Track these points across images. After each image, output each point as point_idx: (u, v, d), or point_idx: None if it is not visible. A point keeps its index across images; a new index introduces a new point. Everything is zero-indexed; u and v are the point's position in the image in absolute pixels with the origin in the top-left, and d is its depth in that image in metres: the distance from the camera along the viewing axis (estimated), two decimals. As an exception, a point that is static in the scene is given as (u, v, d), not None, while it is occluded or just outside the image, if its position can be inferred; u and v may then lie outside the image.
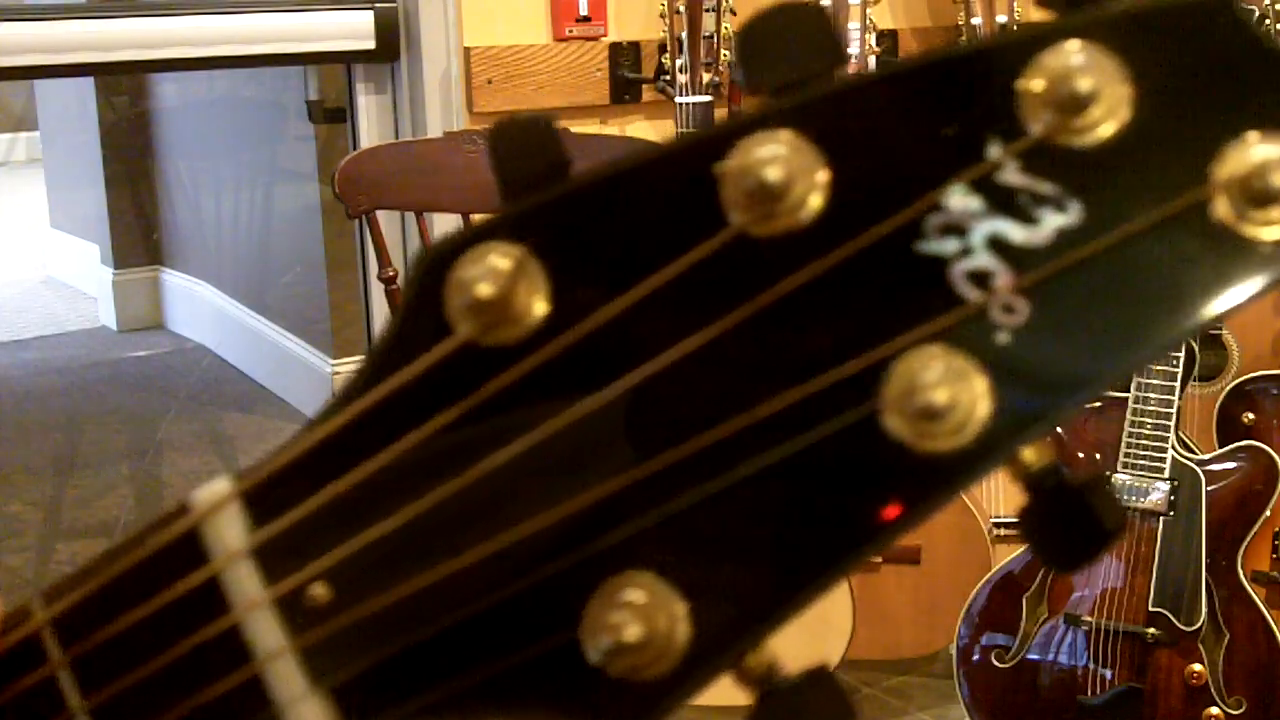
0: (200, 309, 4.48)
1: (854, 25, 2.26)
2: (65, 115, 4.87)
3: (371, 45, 2.50)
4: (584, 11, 2.45)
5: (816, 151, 0.34)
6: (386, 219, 2.20)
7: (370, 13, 2.49)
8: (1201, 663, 2.07)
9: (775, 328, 0.34)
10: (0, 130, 7.70)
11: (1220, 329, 2.49)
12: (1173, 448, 2.10)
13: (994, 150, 0.33)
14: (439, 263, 0.36)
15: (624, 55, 2.47)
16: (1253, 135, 0.33)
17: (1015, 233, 0.33)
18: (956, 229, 0.33)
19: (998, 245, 0.33)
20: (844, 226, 0.34)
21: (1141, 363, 0.33)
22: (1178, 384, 2.10)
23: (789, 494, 0.34)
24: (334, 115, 2.78)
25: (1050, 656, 2.16)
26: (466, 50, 2.42)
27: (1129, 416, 2.11)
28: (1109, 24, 0.34)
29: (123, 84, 4.52)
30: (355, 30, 2.50)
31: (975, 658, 2.21)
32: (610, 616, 0.34)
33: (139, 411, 4.00)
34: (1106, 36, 0.33)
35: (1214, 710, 2.07)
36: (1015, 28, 0.36)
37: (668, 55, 2.27)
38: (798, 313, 0.34)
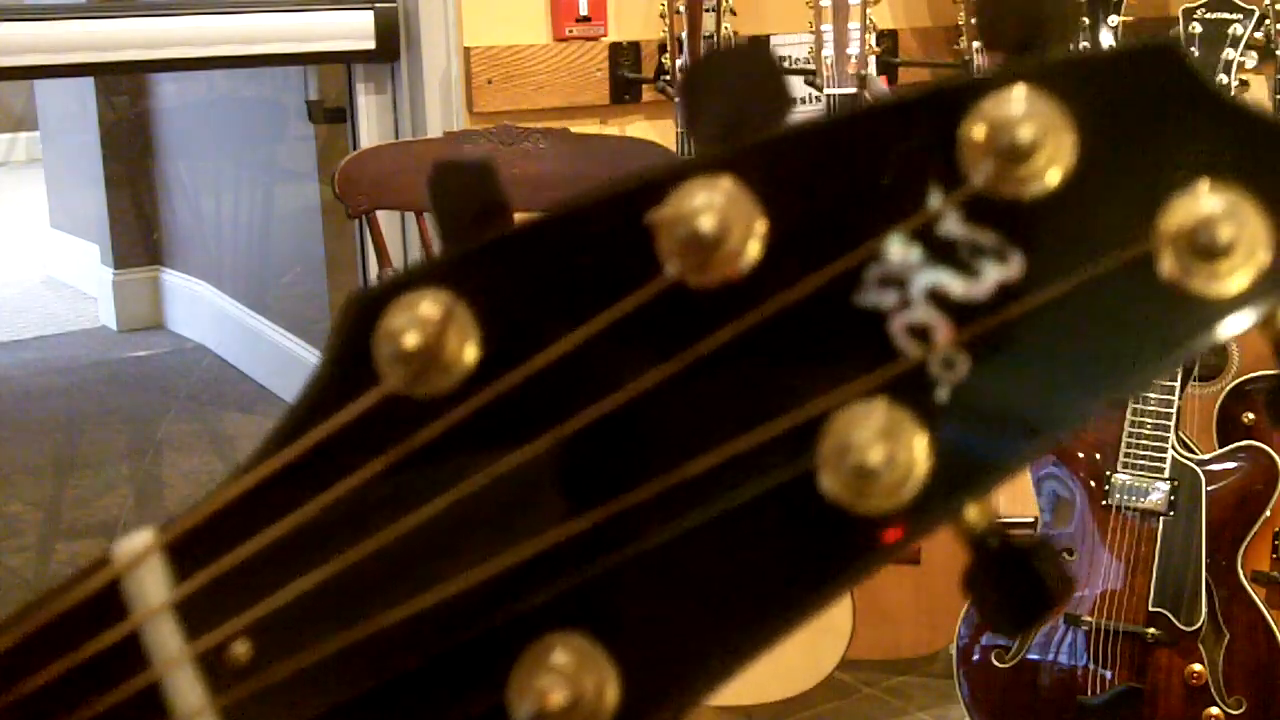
0: (200, 309, 4.48)
1: (854, 25, 2.25)
2: (65, 115, 4.87)
3: (371, 45, 2.50)
4: (584, 11, 2.45)
5: (754, 200, 0.33)
6: (386, 219, 2.20)
7: (370, 13, 2.49)
8: (1201, 663, 2.07)
9: (709, 380, 0.33)
10: (0, 130, 7.70)
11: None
12: (1173, 448, 2.10)
13: (934, 200, 0.33)
14: (367, 309, 0.35)
15: (624, 55, 2.47)
16: (1201, 186, 0.32)
17: (956, 285, 0.32)
18: (896, 281, 0.32)
19: (938, 298, 0.32)
20: (781, 277, 0.33)
21: (1085, 419, 0.32)
22: (1178, 384, 2.10)
23: (722, 553, 0.33)
24: (334, 115, 2.78)
25: (1050, 656, 2.16)
26: (466, 50, 2.42)
27: (1129, 416, 2.11)
28: (1054, 71, 0.33)
29: (123, 84, 4.52)
30: (355, 30, 2.50)
31: (975, 658, 2.21)
32: (537, 680, 0.33)
33: (139, 411, 4.00)
34: (1051, 83, 0.32)
35: (1214, 710, 2.07)
36: (960, 70, 0.36)
37: (668, 55, 2.27)
38: (733, 365, 0.33)
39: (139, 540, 0.37)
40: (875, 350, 0.32)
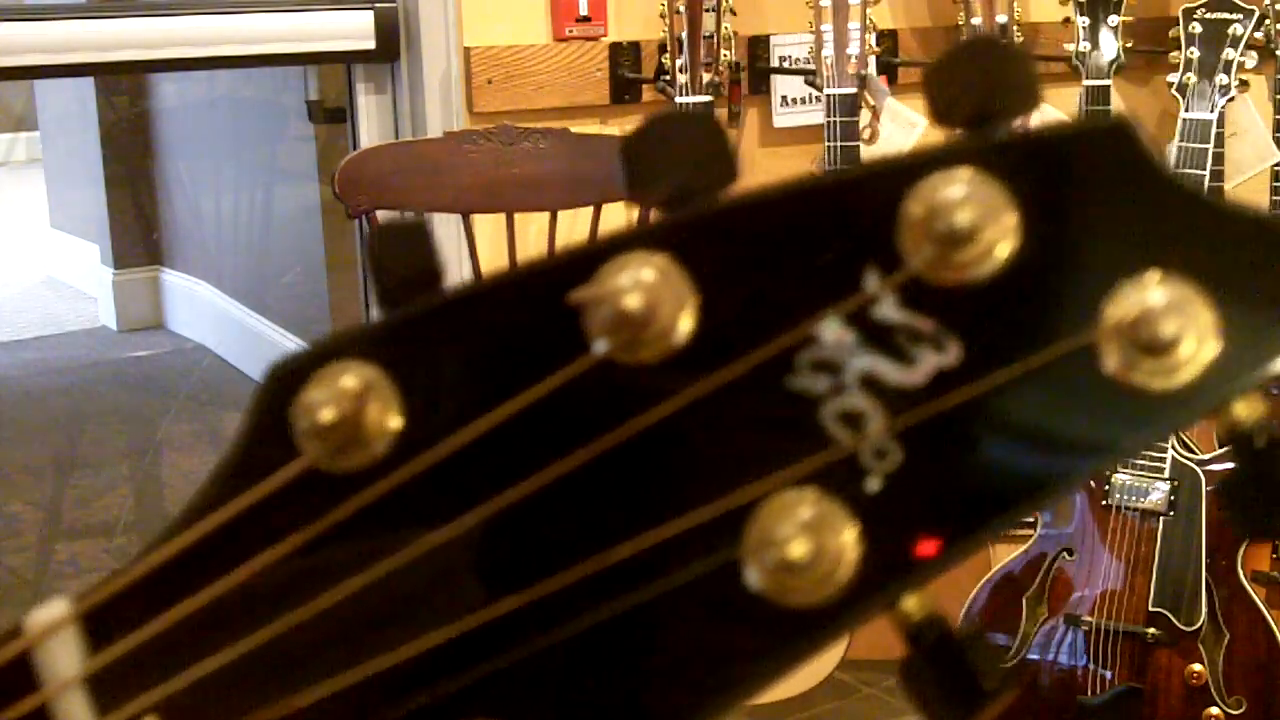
0: (200, 309, 4.48)
1: (854, 25, 2.25)
2: (65, 115, 4.87)
3: (371, 45, 2.49)
4: (584, 11, 2.44)
5: (687, 277, 0.32)
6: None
7: (370, 13, 2.49)
8: (1201, 663, 2.07)
9: (635, 463, 0.32)
10: (0, 130, 7.70)
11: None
12: (1173, 448, 2.10)
13: (871, 282, 0.31)
14: (288, 380, 0.34)
15: (624, 55, 2.47)
16: (1149, 276, 0.30)
17: (890, 372, 0.31)
18: (830, 365, 0.31)
19: (872, 384, 0.31)
20: (713, 357, 0.32)
21: (1023, 514, 0.31)
22: (1178, 384, 2.10)
23: (645, 643, 0.32)
24: (334, 115, 2.78)
25: (1050, 656, 2.16)
26: (466, 50, 2.42)
27: (1129, 416, 2.11)
28: (999, 150, 0.31)
29: (123, 84, 4.52)
30: (355, 30, 2.50)
31: (975, 658, 2.21)
32: None
33: (139, 411, 4.00)
34: (996, 164, 0.31)
35: (1214, 710, 2.07)
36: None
37: (668, 55, 2.27)
38: (660, 448, 0.32)
39: (53, 610, 0.36)
40: (806, 437, 0.31)
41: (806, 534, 0.31)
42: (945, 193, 0.31)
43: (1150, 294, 0.30)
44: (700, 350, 0.32)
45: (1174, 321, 0.30)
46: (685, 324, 0.32)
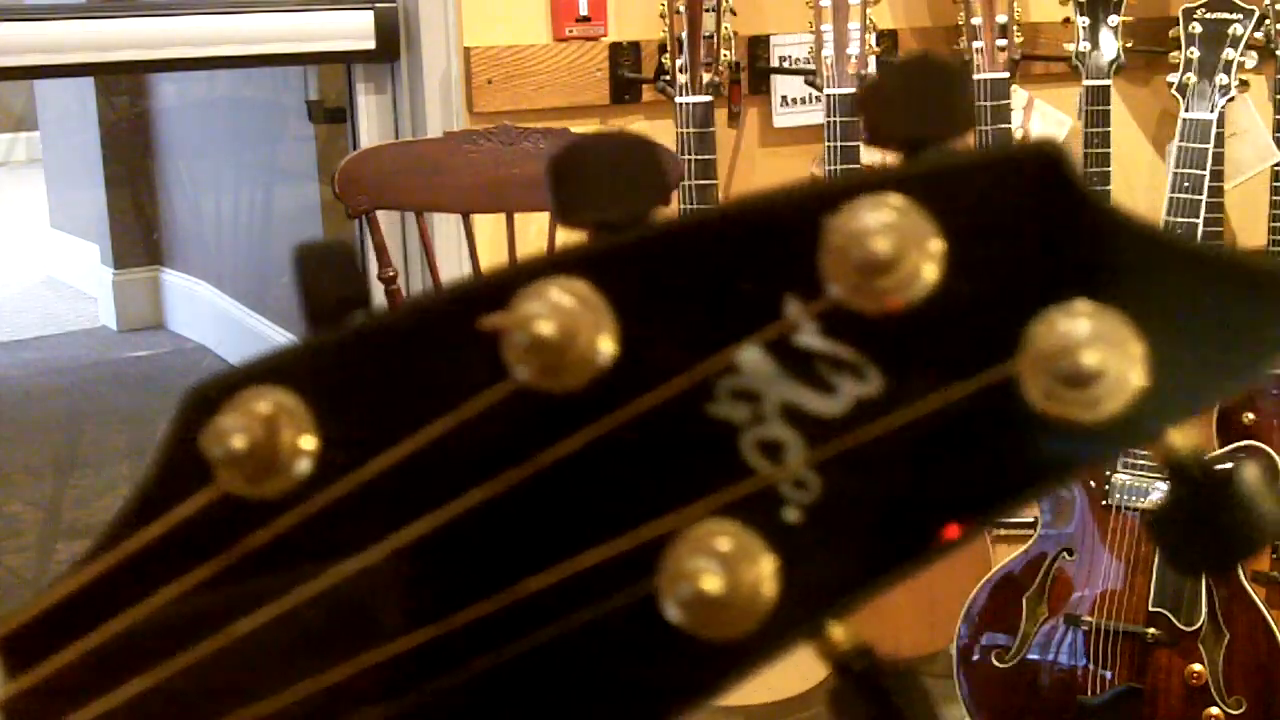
0: (200, 309, 4.48)
1: (854, 25, 2.25)
2: (65, 115, 4.87)
3: (371, 45, 2.49)
4: (584, 11, 2.44)
5: (607, 303, 0.31)
6: (386, 219, 2.20)
7: (370, 13, 2.49)
8: (1201, 663, 2.07)
9: (554, 492, 0.31)
10: (0, 130, 7.70)
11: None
12: (1173, 448, 2.10)
13: (792, 309, 0.31)
14: (203, 405, 0.33)
15: (624, 55, 2.46)
16: (1073, 306, 0.30)
17: (811, 401, 0.30)
18: (750, 394, 0.31)
19: (792, 414, 0.31)
20: (632, 386, 0.31)
21: (950, 547, 0.30)
22: (1178, 384, 2.10)
23: (562, 674, 0.31)
24: (334, 115, 2.78)
25: (1050, 656, 2.16)
26: (466, 50, 2.42)
27: (1129, 416, 2.11)
28: (925, 177, 0.30)
29: (123, 84, 4.52)
30: (355, 30, 2.50)
31: (975, 658, 2.21)
32: None
33: (139, 411, 4.00)
34: (922, 191, 0.30)
35: (1214, 710, 2.07)
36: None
37: (668, 55, 2.27)
38: (578, 477, 0.31)
39: None
40: (725, 466, 0.31)
41: (722, 566, 0.30)
42: (866, 219, 0.30)
43: (1075, 324, 0.29)
44: (620, 378, 0.31)
45: (1097, 352, 0.29)
46: (605, 350, 0.31)
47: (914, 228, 0.30)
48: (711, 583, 0.30)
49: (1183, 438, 0.30)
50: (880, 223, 0.30)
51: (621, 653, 0.31)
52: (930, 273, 0.30)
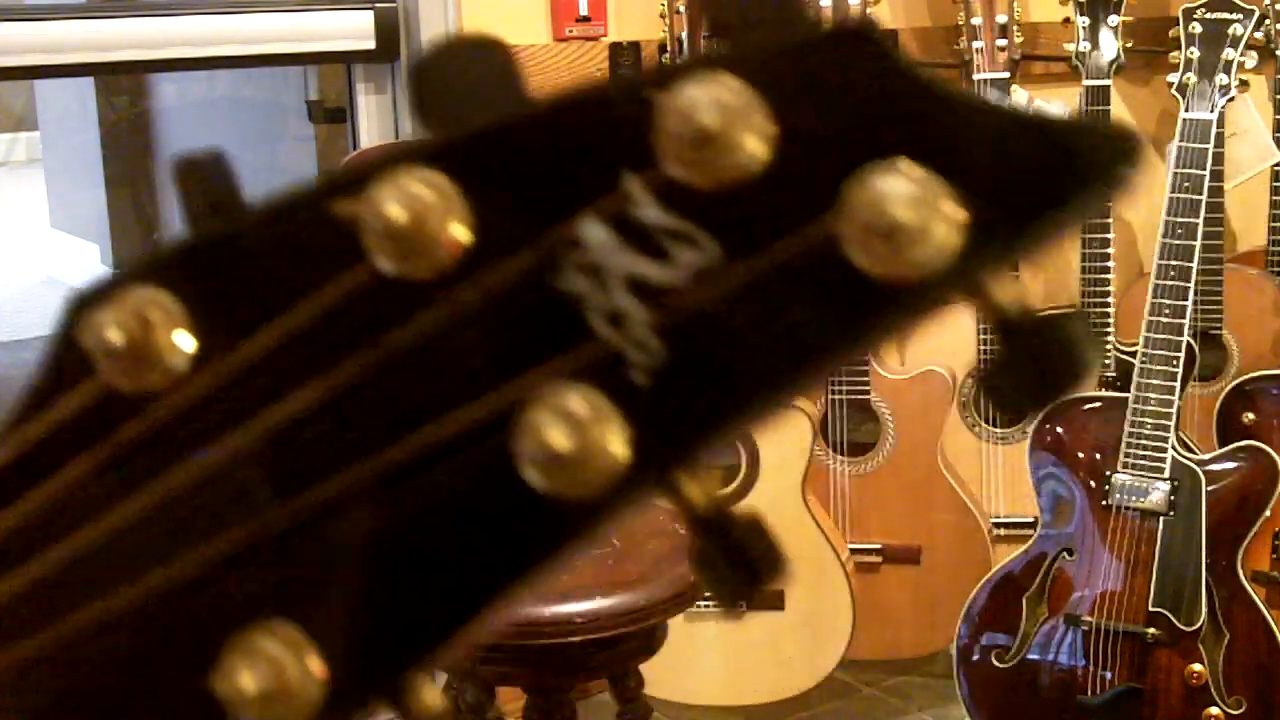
0: (200, 309, 4.48)
1: (854, 25, 2.25)
2: (65, 115, 4.87)
3: (371, 45, 2.49)
4: (584, 11, 2.44)
5: (458, 190, 0.33)
6: (386, 219, 2.20)
7: (370, 13, 2.49)
8: (1201, 663, 2.07)
9: (412, 367, 0.33)
10: (0, 130, 7.70)
11: (1219, 329, 2.49)
12: (1173, 448, 2.10)
13: (628, 183, 0.33)
14: (83, 305, 0.35)
15: (624, 55, 2.46)
16: (890, 165, 0.31)
17: (651, 271, 0.32)
18: (594, 267, 0.33)
19: (634, 284, 0.32)
20: (486, 264, 0.33)
21: (783, 403, 0.32)
22: (1178, 384, 2.10)
23: (424, 539, 0.33)
24: (334, 115, 2.78)
25: (1050, 656, 2.16)
26: (466, 50, 2.42)
27: (1129, 416, 2.11)
28: (749, 56, 0.33)
29: (123, 84, 4.52)
30: (355, 30, 2.50)
31: (975, 658, 2.21)
32: (242, 667, 0.33)
33: (139, 411, 4.00)
34: (747, 68, 0.32)
35: (1214, 710, 2.07)
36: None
37: (668, 55, 2.27)
38: (433, 351, 0.33)
39: None
40: (573, 336, 0.33)
41: (572, 425, 0.32)
42: (695, 96, 0.32)
43: (885, 180, 0.31)
44: (474, 259, 0.33)
45: (908, 206, 0.31)
46: (457, 234, 0.33)
47: (740, 102, 0.32)
48: (561, 440, 0.31)
49: (1003, 290, 0.32)
50: (708, 98, 0.32)
51: (483, 515, 0.33)
52: (757, 145, 0.32)
